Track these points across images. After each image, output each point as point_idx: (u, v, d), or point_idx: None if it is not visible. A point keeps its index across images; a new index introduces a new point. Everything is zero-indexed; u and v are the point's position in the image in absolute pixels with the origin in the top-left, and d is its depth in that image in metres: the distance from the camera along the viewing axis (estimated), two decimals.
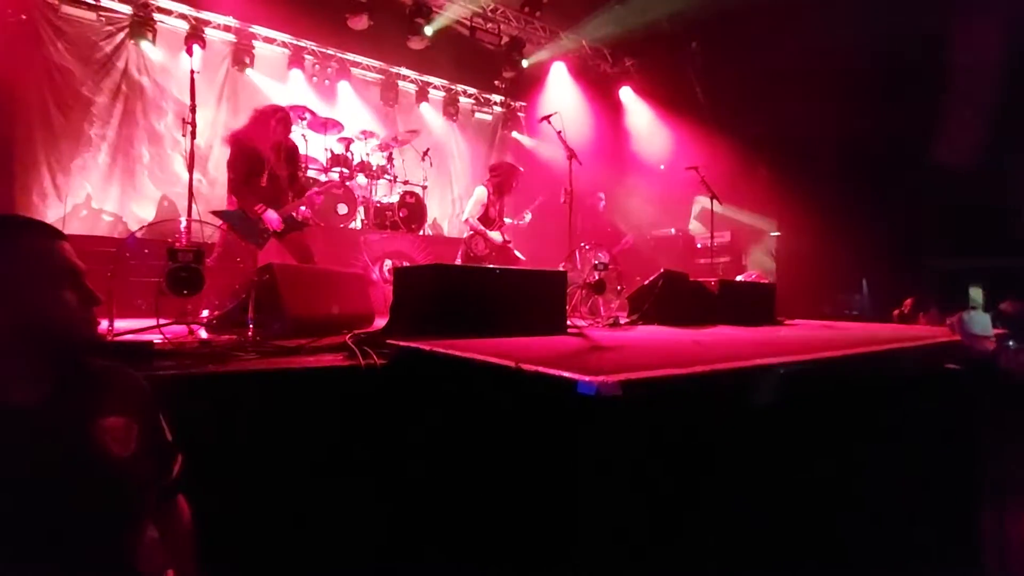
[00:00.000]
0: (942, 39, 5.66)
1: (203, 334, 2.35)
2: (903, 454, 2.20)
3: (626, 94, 8.70)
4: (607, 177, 7.70)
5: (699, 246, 7.53)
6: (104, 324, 2.16)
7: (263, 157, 3.82)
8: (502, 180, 5.17)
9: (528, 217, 5.95)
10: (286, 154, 4.01)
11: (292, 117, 4.21)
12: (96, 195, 6.17)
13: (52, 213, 5.79)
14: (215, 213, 3.80)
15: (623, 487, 1.11)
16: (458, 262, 5.10)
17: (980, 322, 4.09)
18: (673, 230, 7.77)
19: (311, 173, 5.98)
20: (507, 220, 5.45)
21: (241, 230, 3.72)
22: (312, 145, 6.23)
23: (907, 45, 5.76)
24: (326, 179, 5.96)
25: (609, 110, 8.66)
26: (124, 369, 1.21)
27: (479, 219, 5.10)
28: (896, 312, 5.03)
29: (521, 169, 5.42)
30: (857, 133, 6.25)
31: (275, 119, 3.88)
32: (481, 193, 5.15)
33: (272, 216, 3.77)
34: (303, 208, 4.04)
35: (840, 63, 6.03)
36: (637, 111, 8.62)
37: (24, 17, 5.71)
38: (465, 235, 5.19)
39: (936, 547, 2.40)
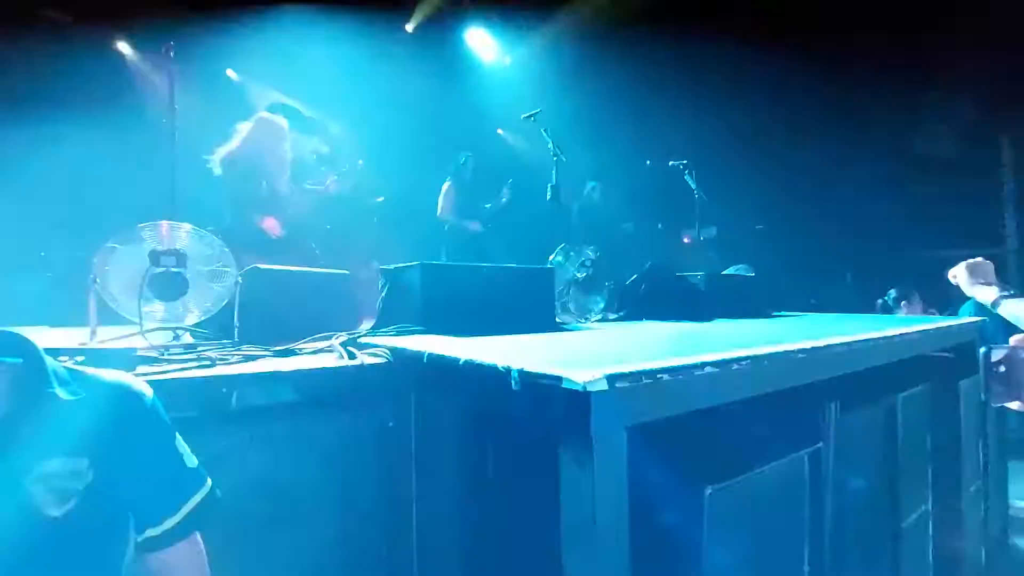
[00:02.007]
0: None
1: (188, 339, 2.32)
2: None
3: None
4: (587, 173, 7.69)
5: (686, 241, 7.55)
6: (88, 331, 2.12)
7: None
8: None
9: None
10: None
11: None
12: None
13: None
14: None
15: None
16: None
17: None
18: (660, 225, 7.79)
19: None
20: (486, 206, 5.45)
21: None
22: None
23: None
24: None
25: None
26: (111, 383, 1.01)
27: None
28: (879, 302, 5.09)
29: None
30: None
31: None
32: (446, 185, 5.17)
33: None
34: None
35: None
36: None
37: None
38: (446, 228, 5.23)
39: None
